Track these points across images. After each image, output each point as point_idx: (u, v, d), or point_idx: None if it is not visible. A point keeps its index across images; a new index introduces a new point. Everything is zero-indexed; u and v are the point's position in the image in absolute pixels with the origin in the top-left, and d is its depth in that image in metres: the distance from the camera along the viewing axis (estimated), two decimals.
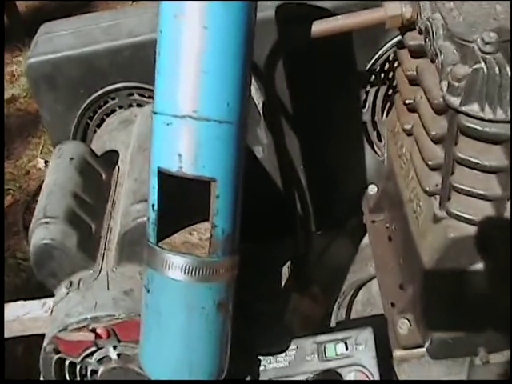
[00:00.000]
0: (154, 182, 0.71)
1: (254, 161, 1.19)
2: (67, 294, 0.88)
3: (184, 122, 0.67)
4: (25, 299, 1.07)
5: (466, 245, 0.85)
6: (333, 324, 1.14)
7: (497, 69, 0.70)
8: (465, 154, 0.78)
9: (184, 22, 0.66)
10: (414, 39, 0.88)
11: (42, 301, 0.98)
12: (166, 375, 0.77)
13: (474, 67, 0.72)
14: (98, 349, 0.88)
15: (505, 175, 0.78)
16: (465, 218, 0.83)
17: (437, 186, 0.86)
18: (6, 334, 1.03)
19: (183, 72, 0.67)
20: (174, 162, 0.68)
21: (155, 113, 0.70)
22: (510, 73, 0.70)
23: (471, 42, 0.73)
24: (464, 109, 0.74)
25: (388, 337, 1.03)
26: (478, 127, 0.74)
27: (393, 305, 1.05)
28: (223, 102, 0.67)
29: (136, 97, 1.14)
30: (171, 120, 0.68)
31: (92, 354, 0.89)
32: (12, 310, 1.06)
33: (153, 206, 0.71)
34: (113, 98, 1.14)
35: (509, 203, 0.81)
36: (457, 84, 0.73)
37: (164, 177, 0.70)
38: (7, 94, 2.71)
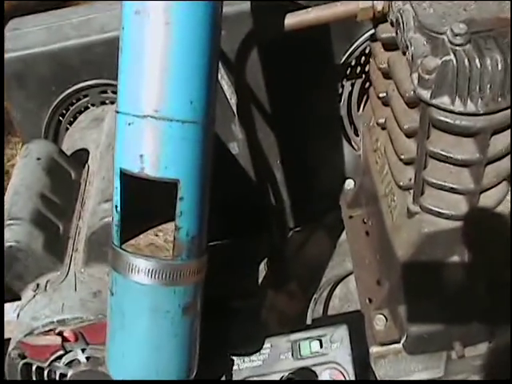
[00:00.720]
0: (116, 182, 0.69)
1: (230, 157, 1.18)
2: (34, 296, 0.86)
3: (145, 122, 0.65)
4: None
5: (441, 239, 0.84)
6: (309, 321, 1.13)
7: (466, 61, 0.70)
8: (437, 148, 0.78)
9: (146, 18, 0.64)
10: (385, 31, 0.87)
11: (15, 304, 0.95)
12: (131, 378, 0.75)
13: (443, 59, 0.71)
14: (66, 352, 0.86)
15: (476, 168, 0.78)
16: (438, 212, 0.82)
17: (410, 180, 0.85)
18: None
19: (144, 70, 0.65)
20: (135, 163, 0.66)
21: (118, 112, 0.68)
22: (479, 65, 0.69)
23: (441, 33, 0.72)
24: (435, 102, 0.73)
25: (365, 333, 1.02)
26: (449, 120, 0.74)
27: (370, 300, 1.04)
28: (186, 101, 0.65)
29: (109, 94, 1.12)
30: (133, 120, 0.66)
31: (60, 357, 0.87)
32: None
33: (116, 207, 0.70)
34: (85, 96, 1.13)
35: (482, 196, 0.81)
36: (427, 76, 0.72)
37: (127, 178, 0.68)
38: None
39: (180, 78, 0.65)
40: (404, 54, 0.80)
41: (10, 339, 0.88)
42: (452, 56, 0.70)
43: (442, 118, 0.74)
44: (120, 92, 0.68)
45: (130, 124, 0.66)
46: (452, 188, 0.80)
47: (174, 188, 0.68)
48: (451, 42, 0.71)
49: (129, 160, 0.67)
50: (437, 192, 0.82)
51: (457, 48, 0.70)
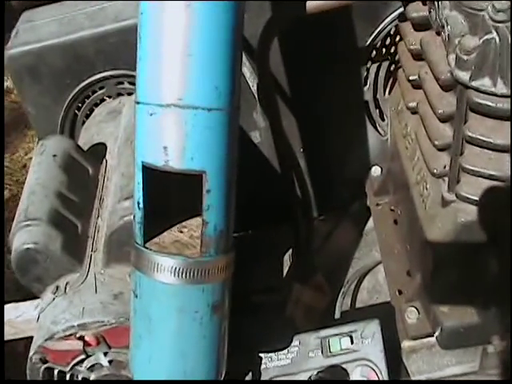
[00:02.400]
0: (138, 177, 0.66)
1: (252, 146, 1.16)
2: (53, 299, 0.84)
3: (169, 112, 0.62)
4: (17, 301, 1.04)
5: (478, 229, 0.81)
6: (337, 314, 1.11)
7: (510, 38, 0.66)
8: (475, 133, 0.74)
9: (166, 1, 0.61)
10: (417, 11, 0.84)
11: (35, 302, 0.94)
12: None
13: (484, 38, 0.67)
14: (88, 356, 0.84)
15: None
16: (476, 200, 0.79)
17: (445, 167, 0.82)
18: None
19: (166, 56, 0.62)
20: (159, 156, 0.63)
21: (138, 102, 0.65)
22: None
23: (481, 10, 0.68)
24: (474, 84, 0.70)
25: (395, 326, 0.99)
26: (490, 103, 0.70)
27: (400, 292, 1.02)
28: (212, 88, 0.62)
29: (125, 85, 1.10)
30: (155, 110, 0.62)
31: (82, 361, 0.85)
32: (4, 312, 1.02)
33: (138, 203, 0.67)
34: (101, 88, 1.11)
35: None
36: (466, 57, 0.69)
37: (149, 172, 0.65)
38: None
39: (204, 62, 0.62)
40: (438, 33, 0.78)
41: (30, 337, 0.88)
42: (494, 34, 0.67)
43: (482, 101, 0.71)
44: (139, 81, 0.65)
45: (151, 114, 0.63)
46: (491, 175, 0.77)
47: (196, 181, 0.65)
48: (492, 19, 0.67)
49: (152, 153, 0.64)
50: (474, 179, 0.79)
51: (499, 25, 0.67)
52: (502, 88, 0.68)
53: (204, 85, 0.62)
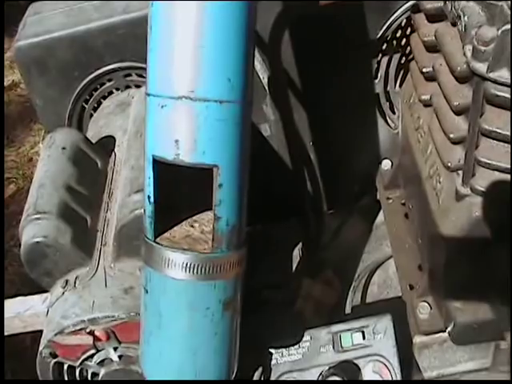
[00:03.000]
0: (149, 171, 0.65)
1: (262, 139, 1.14)
2: (63, 293, 0.84)
3: (180, 104, 0.61)
4: (25, 295, 1.04)
5: (492, 223, 0.79)
6: (348, 309, 1.10)
7: None
8: (492, 126, 0.73)
9: None
10: (431, 1, 0.83)
11: (44, 296, 0.93)
12: (168, 379, 0.72)
13: (503, 28, 0.65)
14: (98, 351, 0.84)
15: None
16: (490, 194, 0.78)
17: (459, 160, 0.81)
18: (7, 332, 1.00)
19: (177, 47, 0.61)
20: (170, 149, 0.62)
21: (148, 94, 0.64)
22: None
23: (500, 0, 0.66)
24: (492, 75, 0.68)
25: (407, 321, 0.99)
26: (508, 95, 0.69)
27: (411, 287, 1.01)
28: (224, 79, 0.61)
29: (134, 77, 1.09)
30: (166, 102, 0.61)
31: (91, 356, 0.84)
32: (12, 306, 1.03)
33: (149, 197, 0.65)
34: (109, 80, 1.10)
35: None
36: (483, 48, 0.68)
37: (160, 165, 0.64)
38: (7, 81, 2.71)
39: (216, 54, 0.61)
40: (454, 24, 0.76)
41: (40, 331, 0.87)
42: None
43: (500, 93, 0.69)
44: (150, 73, 0.64)
45: (162, 107, 0.62)
46: (507, 168, 0.75)
47: (208, 175, 0.64)
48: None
49: (162, 146, 0.63)
50: (490, 173, 0.77)
51: None
52: None
53: (216, 77, 0.61)
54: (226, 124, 0.62)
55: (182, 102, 0.61)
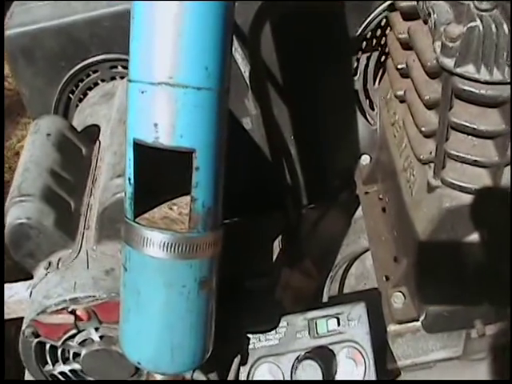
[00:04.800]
0: (130, 154, 0.67)
1: (243, 133, 1.16)
2: (46, 274, 0.85)
3: (160, 90, 0.63)
4: (9, 282, 1.05)
5: (462, 214, 0.82)
6: (325, 299, 1.11)
7: (494, 27, 0.67)
8: (460, 119, 0.75)
9: None
10: (405, 0, 0.85)
11: (28, 283, 0.94)
12: (146, 357, 0.73)
13: (469, 25, 0.68)
14: (79, 331, 0.85)
15: (502, 140, 0.75)
16: (460, 186, 0.80)
17: (431, 153, 0.83)
18: None
19: (158, 36, 0.63)
20: (149, 133, 0.64)
21: (130, 80, 0.66)
22: (507, 31, 0.67)
23: None
24: (459, 70, 0.71)
25: (382, 311, 1.01)
26: (474, 90, 0.71)
27: (387, 278, 1.03)
28: (201, 67, 0.63)
29: (119, 69, 1.10)
30: (146, 88, 0.64)
31: (73, 336, 0.86)
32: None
33: (129, 179, 0.68)
34: (95, 71, 1.10)
35: (506, 169, 0.78)
36: (451, 44, 0.70)
37: (141, 148, 0.66)
38: None
39: (195, 43, 0.63)
40: (425, 22, 0.78)
41: (22, 318, 0.88)
42: (478, 22, 0.67)
43: (467, 88, 0.71)
44: (132, 60, 0.66)
45: (143, 92, 0.64)
46: (475, 161, 0.78)
47: (187, 160, 0.66)
48: (477, 8, 0.68)
49: (142, 130, 0.65)
50: (459, 165, 0.80)
51: (483, 13, 0.68)
52: (485, 75, 0.69)
53: (194, 64, 0.63)
54: (203, 110, 0.64)
55: (162, 88, 0.63)
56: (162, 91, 0.63)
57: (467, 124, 0.75)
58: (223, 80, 0.65)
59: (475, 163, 0.78)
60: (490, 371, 0.97)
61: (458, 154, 0.78)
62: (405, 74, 0.89)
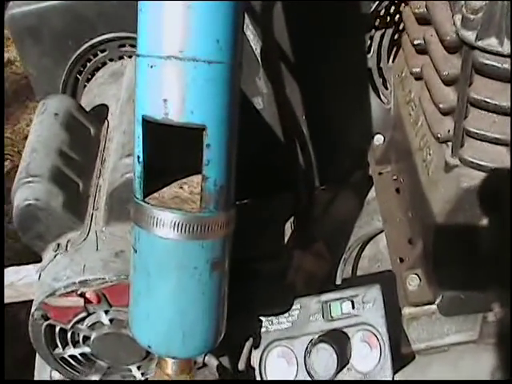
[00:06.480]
0: (138, 131, 0.65)
1: (254, 112, 1.14)
2: (55, 256, 0.84)
3: (169, 64, 0.61)
4: (19, 264, 1.04)
5: (481, 195, 0.80)
6: (338, 281, 1.10)
7: None
8: (480, 95, 0.73)
9: None
10: None
11: (37, 265, 0.94)
12: (156, 341, 0.72)
13: None
14: (89, 314, 0.84)
15: None
16: (479, 165, 0.78)
17: (449, 131, 0.81)
18: None
19: (167, 8, 0.61)
20: (159, 109, 0.62)
21: (138, 55, 0.64)
22: None
23: None
24: (480, 44, 0.68)
25: (396, 294, 0.99)
26: (496, 64, 0.69)
27: (401, 260, 1.01)
28: (212, 40, 0.61)
29: (127, 48, 1.08)
30: (155, 62, 0.62)
31: (83, 319, 0.85)
32: (6, 275, 1.03)
33: (138, 157, 0.66)
34: (102, 51, 1.09)
35: None
36: (472, 17, 0.68)
37: (150, 125, 0.64)
38: None
39: (205, 14, 0.61)
40: None
41: (31, 302, 0.87)
42: None
43: (488, 62, 0.69)
44: (140, 33, 0.64)
45: (152, 67, 0.62)
46: (496, 138, 0.75)
47: (198, 137, 0.64)
48: None
49: (151, 106, 0.63)
50: (478, 143, 0.78)
51: None
52: (508, 48, 0.67)
53: (205, 37, 0.61)
54: (214, 84, 0.62)
55: (171, 62, 0.61)
56: (172, 65, 0.61)
57: (488, 100, 0.73)
58: (235, 53, 0.63)
59: (495, 141, 0.76)
60: (506, 355, 0.96)
61: (477, 131, 0.76)
62: (421, 50, 0.87)
